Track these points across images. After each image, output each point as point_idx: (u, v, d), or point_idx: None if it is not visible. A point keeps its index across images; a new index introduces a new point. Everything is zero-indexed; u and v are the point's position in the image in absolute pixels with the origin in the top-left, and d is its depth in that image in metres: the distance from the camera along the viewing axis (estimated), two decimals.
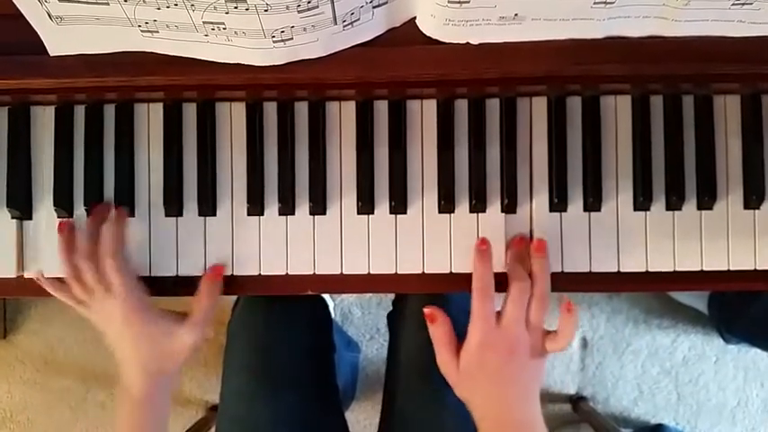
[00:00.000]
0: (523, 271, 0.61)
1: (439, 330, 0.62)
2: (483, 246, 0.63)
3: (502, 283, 0.62)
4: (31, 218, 0.67)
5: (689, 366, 1.39)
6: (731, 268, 0.64)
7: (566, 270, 0.65)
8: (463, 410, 0.63)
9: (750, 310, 1.18)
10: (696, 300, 1.34)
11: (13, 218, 0.66)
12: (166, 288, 0.66)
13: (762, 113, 0.64)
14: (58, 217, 0.66)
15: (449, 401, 0.70)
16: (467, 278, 0.64)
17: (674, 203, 0.64)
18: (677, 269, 0.64)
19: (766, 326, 1.16)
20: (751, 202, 0.64)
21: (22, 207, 0.66)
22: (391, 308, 0.93)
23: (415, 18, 0.57)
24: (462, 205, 0.65)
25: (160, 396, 0.64)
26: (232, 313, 0.86)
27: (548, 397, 1.40)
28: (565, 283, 0.64)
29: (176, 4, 0.52)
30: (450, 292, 0.80)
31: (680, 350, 1.38)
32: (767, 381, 1.39)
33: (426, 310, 0.63)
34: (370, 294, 1.39)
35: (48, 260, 0.66)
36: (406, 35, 0.58)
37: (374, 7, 0.55)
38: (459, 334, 0.62)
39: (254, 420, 0.77)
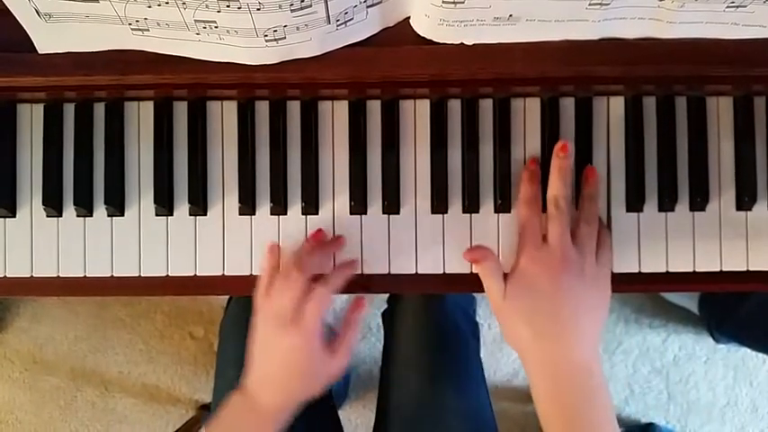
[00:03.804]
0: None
1: (485, 265, 0.60)
2: (533, 166, 0.63)
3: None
4: (15, 215, 0.66)
5: (679, 366, 1.39)
6: (723, 269, 0.64)
7: None
8: (465, 410, 0.62)
9: (740, 310, 1.19)
10: (687, 300, 1.34)
11: (0, 216, 0.66)
12: (155, 287, 0.66)
13: (754, 115, 0.64)
14: (47, 216, 0.65)
15: (450, 401, 0.70)
16: (460, 279, 0.64)
17: (666, 204, 0.64)
18: (669, 270, 0.64)
19: (756, 326, 1.16)
20: (743, 203, 0.64)
21: (9, 205, 0.65)
22: (386, 306, 0.93)
23: (408, 18, 0.57)
24: (455, 205, 0.65)
25: (287, 416, 0.62)
26: (224, 312, 0.85)
27: None
28: None
29: (167, 2, 0.51)
30: (442, 293, 0.80)
31: (670, 350, 1.39)
32: (756, 380, 1.40)
33: (468, 256, 0.61)
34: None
35: (36, 258, 0.65)
36: (400, 35, 0.57)
37: (368, 7, 0.54)
38: (456, 331, 0.62)
39: None
